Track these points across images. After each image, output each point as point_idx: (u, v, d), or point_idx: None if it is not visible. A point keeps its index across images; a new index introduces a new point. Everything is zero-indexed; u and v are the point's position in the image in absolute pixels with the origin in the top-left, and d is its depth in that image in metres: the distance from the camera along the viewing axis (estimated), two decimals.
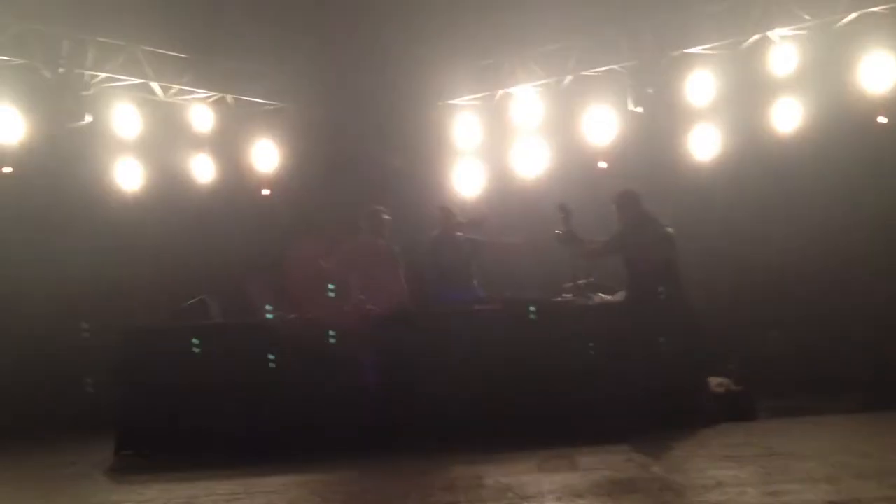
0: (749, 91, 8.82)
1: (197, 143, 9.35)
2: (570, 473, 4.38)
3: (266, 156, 9.52)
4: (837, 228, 8.21)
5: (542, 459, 4.87)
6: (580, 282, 6.97)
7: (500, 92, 9.80)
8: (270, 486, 4.53)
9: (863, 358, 7.65)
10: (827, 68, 8.40)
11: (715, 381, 6.69)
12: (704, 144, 9.06)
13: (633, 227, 6.59)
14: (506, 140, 9.70)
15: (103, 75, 8.86)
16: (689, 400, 6.17)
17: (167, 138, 9.24)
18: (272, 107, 9.80)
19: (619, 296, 6.69)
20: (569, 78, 9.55)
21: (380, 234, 6.99)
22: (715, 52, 8.95)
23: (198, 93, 9.44)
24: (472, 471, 4.66)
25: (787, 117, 8.60)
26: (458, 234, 7.26)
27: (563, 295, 6.87)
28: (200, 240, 8.81)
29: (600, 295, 6.82)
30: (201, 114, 9.39)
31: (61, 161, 8.60)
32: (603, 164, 9.15)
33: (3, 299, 8.38)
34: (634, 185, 6.95)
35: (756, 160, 8.62)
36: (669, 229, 6.63)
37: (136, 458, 5.98)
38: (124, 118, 8.95)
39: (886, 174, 7.99)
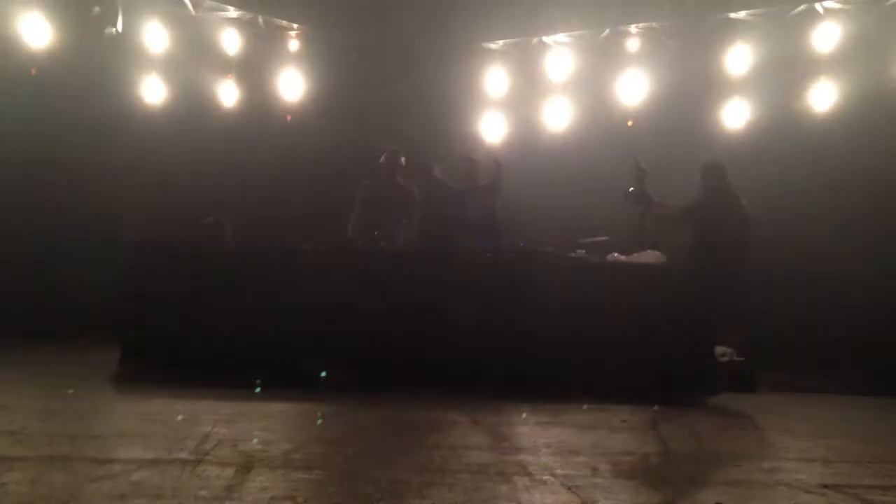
0: (788, 64, 8.65)
1: (223, 64, 9.25)
2: (568, 429, 4.40)
3: (292, 82, 9.43)
4: (860, 214, 8.14)
5: (541, 414, 4.90)
6: (596, 239, 6.96)
7: (535, 39, 9.64)
8: (271, 410, 4.58)
9: (873, 340, 7.64)
10: (872, 48, 8.21)
11: (719, 351, 6.70)
12: (736, 113, 8.94)
13: (711, 200, 6.48)
14: (535, 90, 9.57)
15: None
16: (698, 369, 6.19)
17: (194, 56, 9.14)
18: (302, 31, 9.66)
19: (637, 257, 6.68)
20: (606, 31, 9.37)
21: (397, 173, 7.06)
22: (757, 18, 8.76)
23: (228, 10, 9.31)
24: (471, 417, 4.69)
25: (824, 96, 8.46)
26: (483, 184, 7.21)
27: (578, 251, 6.86)
28: (221, 161, 8.80)
29: (615, 255, 6.81)
30: (230, 35, 9.27)
31: (85, 71, 8.56)
32: (630, 124, 9.05)
33: (18, 207, 8.46)
34: (661, 149, 6.88)
35: (785, 136, 8.50)
36: (748, 209, 6.52)
37: (138, 370, 6.06)
38: (152, 31, 8.85)
39: None
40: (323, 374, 5.75)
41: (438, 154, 7.70)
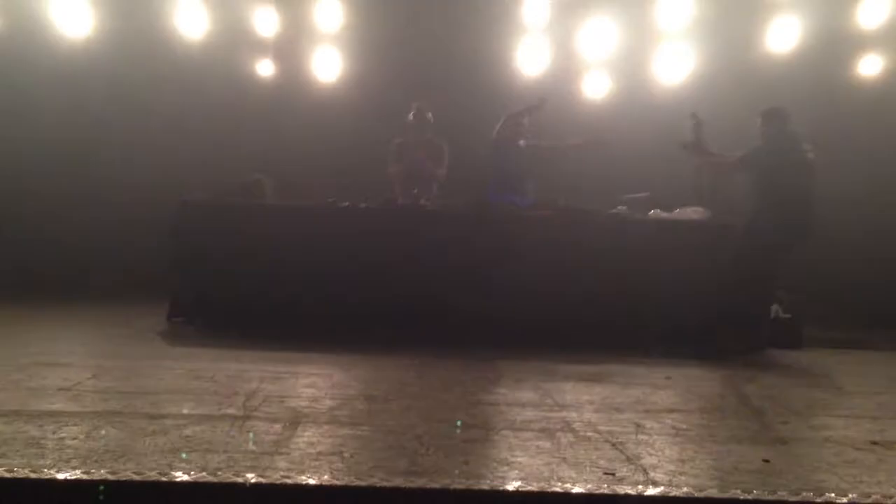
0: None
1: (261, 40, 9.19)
2: (611, 386, 4.40)
3: (329, 51, 9.30)
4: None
5: (584, 371, 4.90)
6: (638, 195, 6.89)
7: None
8: (316, 366, 4.64)
9: None
10: None
11: None
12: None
13: (772, 146, 6.32)
14: (576, 16, 9.24)
15: None
16: (743, 325, 6.13)
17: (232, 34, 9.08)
18: None
19: (680, 213, 6.61)
20: None
21: (426, 130, 7.13)
22: None
23: None
24: (516, 374, 4.71)
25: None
26: (522, 141, 7.17)
27: (619, 207, 6.79)
28: (263, 121, 8.84)
29: (657, 210, 6.74)
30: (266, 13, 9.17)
31: (126, 44, 8.68)
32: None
33: (69, 169, 8.66)
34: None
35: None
36: (811, 154, 6.35)
37: (186, 327, 6.18)
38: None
39: None
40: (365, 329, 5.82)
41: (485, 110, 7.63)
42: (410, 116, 7.32)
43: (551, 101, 7.25)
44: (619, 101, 9.02)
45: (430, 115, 7.33)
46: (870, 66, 8.73)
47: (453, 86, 8.68)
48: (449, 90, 8.41)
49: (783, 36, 8.80)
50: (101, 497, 2.25)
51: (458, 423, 3.31)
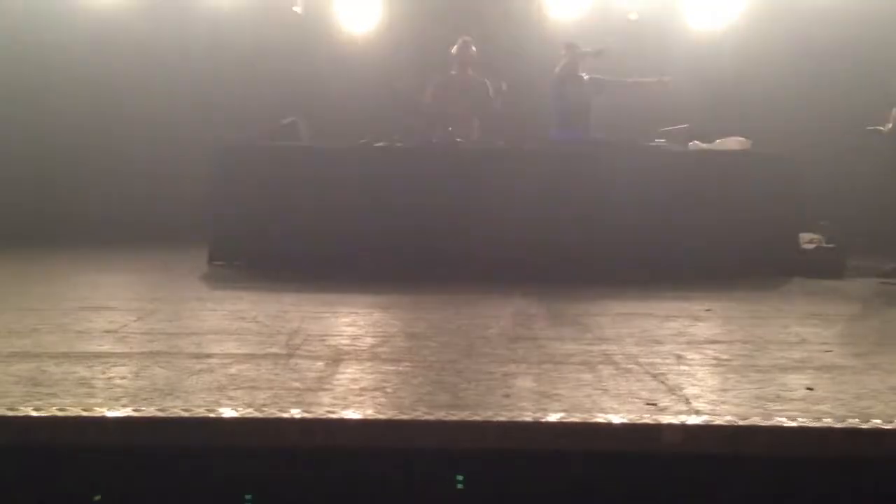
0: None
1: None
2: (651, 319, 4.38)
3: None
4: None
5: (623, 304, 4.90)
6: (677, 126, 6.79)
7: None
8: (355, 306, 4.67)
9: None
10: None
11: (806, 238, 6.55)
12: None
13: None
14: None
15: None
16: (779, 252, 6.08)
17: None
18: None
19: (720, 143, 6.52)
20: None
21: (468, 65, 6.92)
22: None
23: None
24: (555, 308, 4.72)
25: None
26: (582, 73, 6.95)
27: (657, 140, 6.70)
28: (295, 68, 8.76)
29: (696, 142, 6.64)
30: None
31: None
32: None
33: (104, 120, 8.70)
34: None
35: None
36: None
37: (226, 270, 6.26)
38: None
39: None
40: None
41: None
42: (454, 50, 7.06)
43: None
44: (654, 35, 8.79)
45: (473, 48, 7.03)
46: None
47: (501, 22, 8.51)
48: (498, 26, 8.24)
49: None
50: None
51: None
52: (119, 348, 3.36)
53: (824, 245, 6.50)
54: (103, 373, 2.87)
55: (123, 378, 2.82)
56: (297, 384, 2.77)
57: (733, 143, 6.59)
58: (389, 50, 8.66)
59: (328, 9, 9.00)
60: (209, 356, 3.19)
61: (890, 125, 6.45)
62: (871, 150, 7.08)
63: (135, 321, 4.04)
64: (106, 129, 8.77)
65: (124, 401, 2.50)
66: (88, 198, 8.60)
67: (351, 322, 4.19)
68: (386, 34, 8.85)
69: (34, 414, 2.34)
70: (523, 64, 8.03)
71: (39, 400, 2.46)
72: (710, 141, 6.67)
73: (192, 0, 8.73)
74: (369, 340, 3.67)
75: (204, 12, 8.69)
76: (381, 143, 6.46)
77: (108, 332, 3.73)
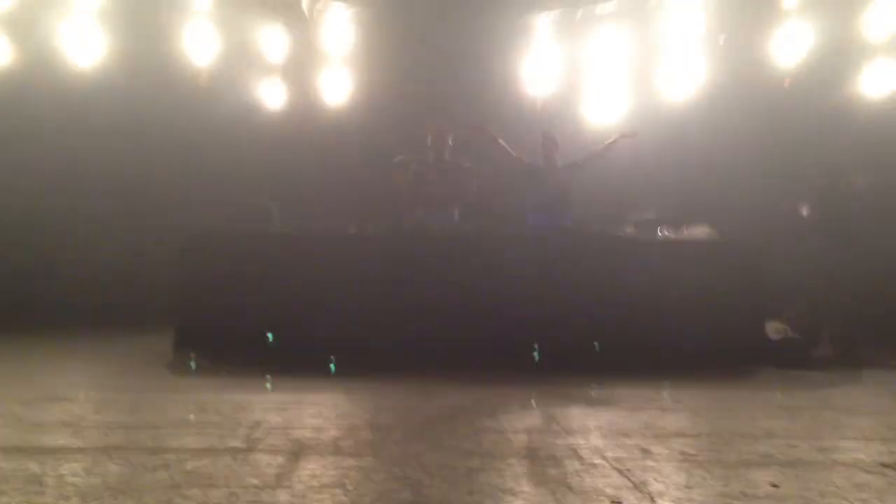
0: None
1: (267, 67, 9.26)
2: (617, 411, 4.35)
3: (338, 73, 9.35)
4: None
5: (590, 393, 4.88)
6: (646, 217, 6.89)
7: (580, 11, 9.47)
8: (319, 398, 4.61)
9: None
10: None
11: (773, 327, 6.59)
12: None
13: None
14: (582, 64, 9.36)
15: None
16: (745, 344, 6.10)
17: (239, 50, 9.15)
18: (346, 16, 9.60)
19: (687, 232, 6.62)
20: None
21: (444, 151, 7.01)
22: None
23: None
24: (522, 399, 4.68)
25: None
26: (558, 162, 7.08)
27: (627, 229, 6.79)
28: (268, 152, 8.87)
29: (664, 231, 6.73)
30: (274, 29, 9.23)
31: (135, 70, 8.69)
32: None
33: (73, 202, 8.70)
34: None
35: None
36: None
37: (192, 358, 6.15)
38: (197, 28, 8.86)
39: None
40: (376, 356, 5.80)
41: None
42: (430, 140, 7.13)
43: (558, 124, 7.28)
44: (627, 117, 9.03)
45: (449, 138, 7.12)
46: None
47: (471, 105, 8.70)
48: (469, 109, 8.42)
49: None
50: None
51: None
52: (74, 442, 3.28)
53: (790, 335, 6.55)
54: (55, 469, 2.79)
55: (76, 475, 2.74)
56: (254, 481, 2.71)
57: (700, 232, 6.68)
58: (365, 135, 8.80)
59: (307, 90, 9.19)
60: (166, 450, 3.12)
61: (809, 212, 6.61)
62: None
63: (93, 413, 3.96)
64: (73, 213, 8.73)
65: (74, 500, 2.43)
66: (55, 283, 8.51)
67: (316, 413, 4.12)
68: (364, 114, 9.02)
69: None
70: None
71: None
72: (679, 230, 6.77)
73: (160, 82, 8.81)
74: (333, 433, 3.61)
75: (173, 95, 8.78)
76: (353, 230, 6.48)
77: (64, 424, 3.64)
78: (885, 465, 3.12)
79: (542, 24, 9.34)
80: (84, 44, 8.35)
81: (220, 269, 6.30)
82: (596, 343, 5.99)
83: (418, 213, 6.81)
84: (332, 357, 5.79)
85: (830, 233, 6.94)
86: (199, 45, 8.68)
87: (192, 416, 3.94)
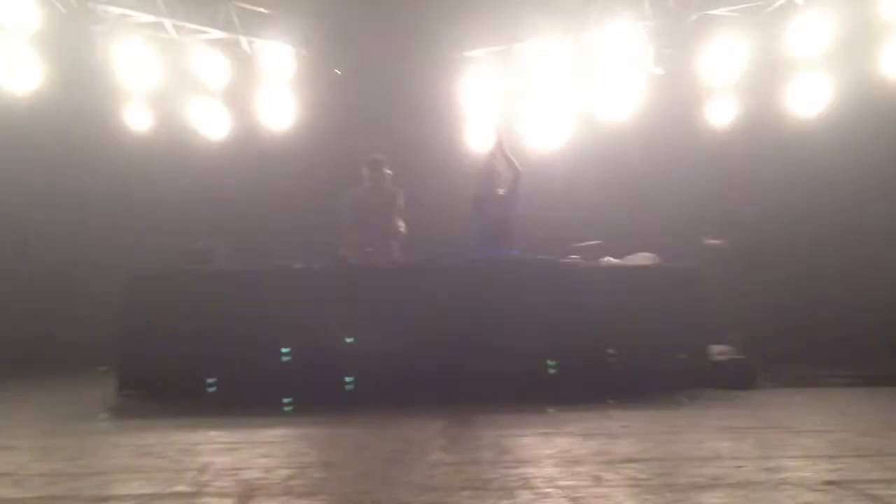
0: (770, 63, 8.63)
1: (208, 90, 9.23)
2: (568, 438, 4.37)
3: (277, 104, 9.38)
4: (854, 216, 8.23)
5: (541, 421, 4.89)
6: (590, 243, 6.97)
7: (517, 45, 9.66)
8: (269, 437, 4.55)
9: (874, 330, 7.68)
10: (858, 44, 8.10)
11: (717, 350, 6.71)
12: (723, 113, 8.93)
13: None
14: (518, 96, 9.57)
15: (117, 11, 8.75)
16: (691, 364, 6.19)
17: (178, 82, 9.12)
18: (286, 51, 9.64)
19: (631, 259, 6.70)
20: (589, 34, 9.39)
21: (382, 180, 7.00)
22: (738, 14, 8.77)
23: (211, 33, 9.30)
24: (471, 431, 4.67)
25: (810, 96, 8.38)
26: (500, 190, 7.11)
27: (571, 256, 6.85)
28: (209, 186, 8.79)
29: (608, 258, 6.81)
30: (214, 59, 9.23)
31: (72, 101, 8.55)
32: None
33: (10, 241, 8.49)
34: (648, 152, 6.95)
35: (774, 137, 8.52)
36: None
37: (136, 400, 6.02)
38: (135, 58, 8.80)
39: None
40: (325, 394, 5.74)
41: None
42: (365, 171, 7.11)
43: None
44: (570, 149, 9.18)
45: (387, 167, 7.08)
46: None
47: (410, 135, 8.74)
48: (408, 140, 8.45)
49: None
50: None
51: None
52: (14, 493, 3.17)
53: (735, 356, 6.67)
54: None
55: None
56: None
57: (642, 258, 6.79)
58: (307, 163, 8.79)
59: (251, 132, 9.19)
60: (109, 499, 3.04)
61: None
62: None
63: (34, 461, 3.84)
64: (13, 255, 8.54)
65: None
66: None
67: (266, 453, 4.06)
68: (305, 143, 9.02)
69: None
70: (444, 178, 8.21)
71: None
72: (621, 256, 6.86)
73: (102, 121, 8.70)
74: (283, 472, 3.55)
75: (116, 135, 8.68)
76: (298, 266, 6.44)
77: (4, 474, 3.52)
78: (830, 483, 3.18)
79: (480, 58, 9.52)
80: (15, 72, 8.18)
81: (162, 308, 6.20)
82: (546, 368, 6.01)
83: (361, 246, 6.77)
84: (285, 398, 5.71)
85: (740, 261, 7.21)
86: (136, 75, 8.63)
87: (137, 461, 3.84)
